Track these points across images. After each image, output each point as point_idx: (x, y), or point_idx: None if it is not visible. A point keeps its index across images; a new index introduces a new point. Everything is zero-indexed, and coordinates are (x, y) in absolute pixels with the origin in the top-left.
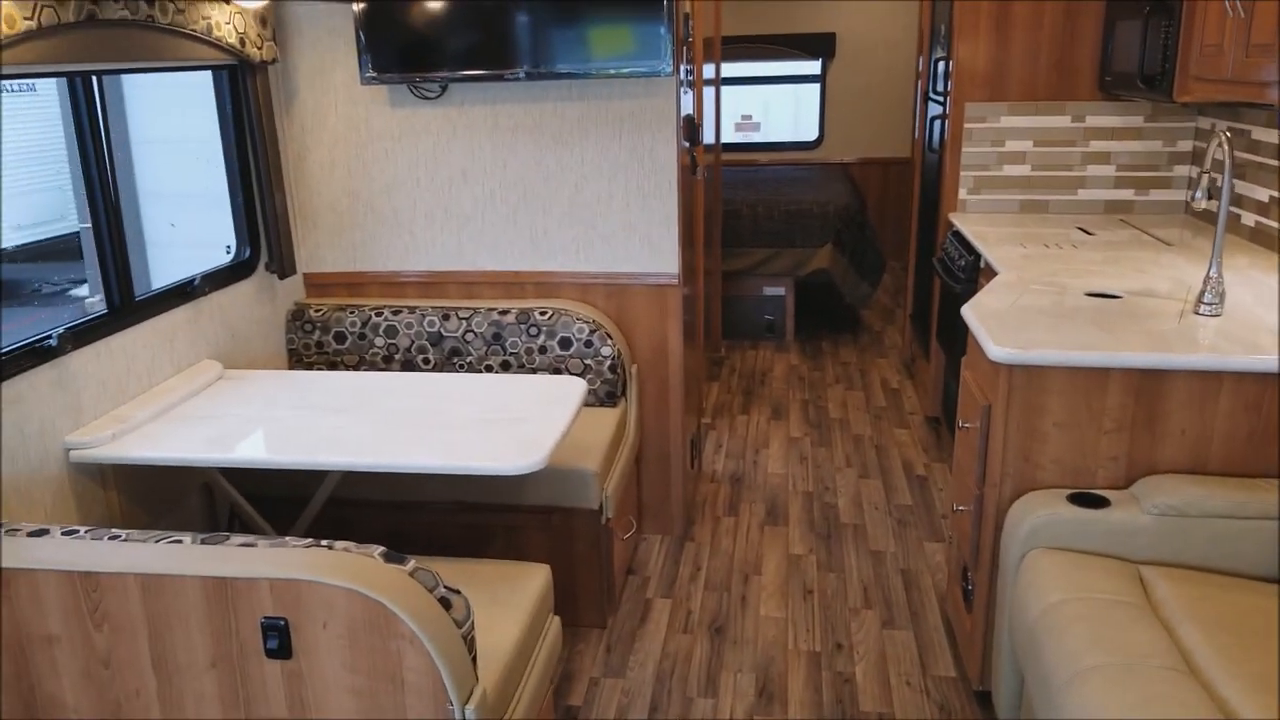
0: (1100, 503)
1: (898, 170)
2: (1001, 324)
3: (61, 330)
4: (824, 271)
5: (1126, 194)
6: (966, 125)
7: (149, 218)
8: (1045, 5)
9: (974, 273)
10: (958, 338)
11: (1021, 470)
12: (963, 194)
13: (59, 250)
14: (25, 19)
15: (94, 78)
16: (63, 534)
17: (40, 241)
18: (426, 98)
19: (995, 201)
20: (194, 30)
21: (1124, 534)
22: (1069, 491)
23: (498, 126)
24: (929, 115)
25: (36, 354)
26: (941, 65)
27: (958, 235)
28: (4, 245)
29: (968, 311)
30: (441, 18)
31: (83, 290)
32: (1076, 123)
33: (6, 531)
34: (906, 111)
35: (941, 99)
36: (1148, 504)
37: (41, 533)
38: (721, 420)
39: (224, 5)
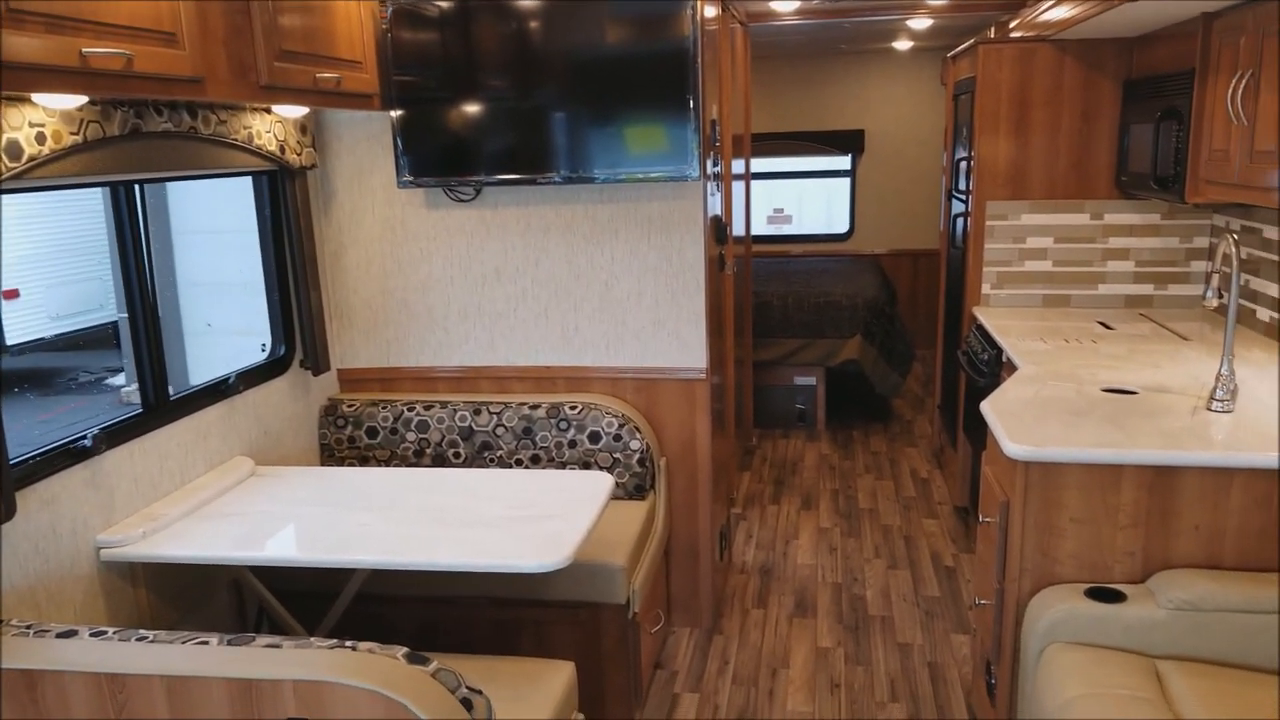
0: (1117, 597)
1: (927, 261)
2: (1019, 421)
3: (96, 431)
4: (854, 362)
5: (1146, 289)
6: (988, 222)
7: (188, 307)
8: (1063, 110)
9: (996, 366)
10: (983, 429)
11: (1040, 565)
12: (986, 289)
13: (96, 339)
14: (71, 134)
15: (136, 185)
16: (90, 635)
17: (78, 331)
18: (461, 200)
19: (1018, 296)
20: (235, 140)
21: (1140, 629)
22: (1086, 586)
23: (530, 227)
24: (952, 212)
25: (71, 454)
26: (964, 164)
27: (981, 329)
28: (44, 335)
29: (986, 408)
30: (477, 124)
31: (119, 379)
32: (1095, 220)
33: (36, 632)
34: (935, 205)
35: (964, 197)
36: (1163, 599)
37: (70, 634)
38: (752, 510)
39: (265, 115)
